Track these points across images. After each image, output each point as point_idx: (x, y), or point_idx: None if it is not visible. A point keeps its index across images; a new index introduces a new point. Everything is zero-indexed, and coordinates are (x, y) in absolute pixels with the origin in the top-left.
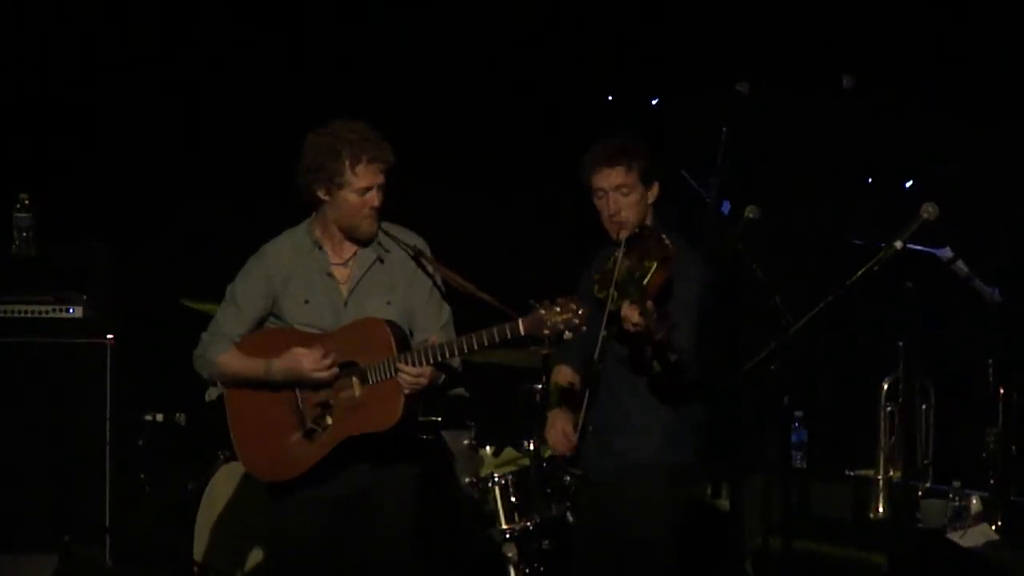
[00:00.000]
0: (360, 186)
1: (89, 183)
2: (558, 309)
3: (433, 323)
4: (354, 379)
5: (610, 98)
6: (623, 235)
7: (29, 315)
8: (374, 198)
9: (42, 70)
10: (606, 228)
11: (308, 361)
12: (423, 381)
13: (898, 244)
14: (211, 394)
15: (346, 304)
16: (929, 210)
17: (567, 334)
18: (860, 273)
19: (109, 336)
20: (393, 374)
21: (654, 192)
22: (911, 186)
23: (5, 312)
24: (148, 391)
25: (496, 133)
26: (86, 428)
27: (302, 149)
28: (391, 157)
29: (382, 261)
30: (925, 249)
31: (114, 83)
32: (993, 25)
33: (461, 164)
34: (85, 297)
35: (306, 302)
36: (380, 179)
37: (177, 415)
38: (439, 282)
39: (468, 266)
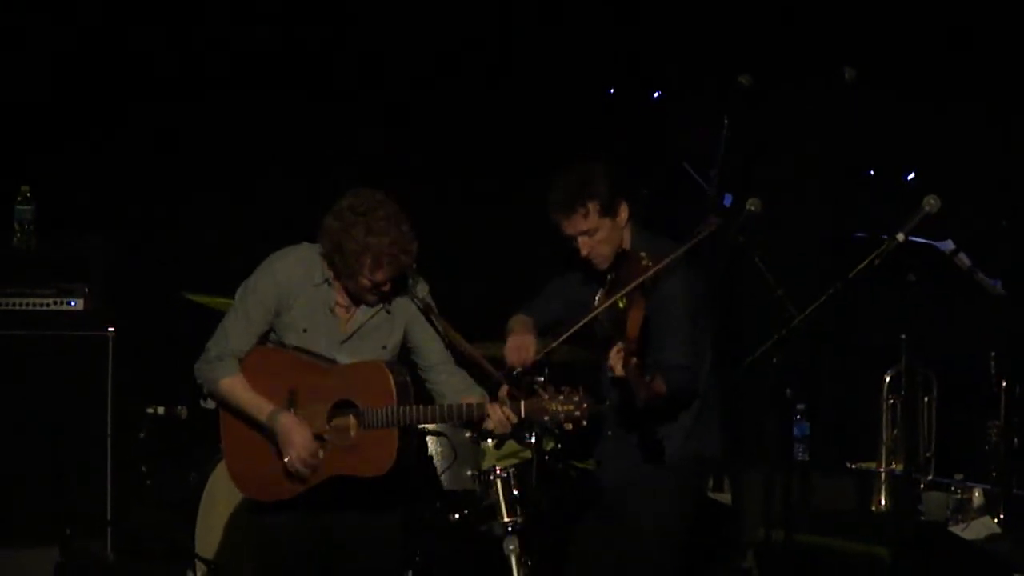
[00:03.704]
0: (374, 280)
1: (90, 175)
2: (562, 398)
3: (439, 356)
4: (352, 419)
5: (611, 91)
6: (602, 268)
7: (30, 308)
8: (385, 287)
9: (43, 62)
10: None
11: (301, 444)
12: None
13: (900, 237)
14: (209, 403)
15: (343, 343)
16: (931, 203)
17: (567, 425)
18: (862, 266)
19: (110, 329)
20: (390, 423)
21: (623, 215)
22: (913, 179)
23: (6, 304)
24: (149, 384)
25: (495, 129)
26: (87, 421)
27: (333, 210)
28: (413, 263)
29: (388, 311)
30: (927, 242)
31: (117, 75)
32: (995, 15)
33: (458, 159)
34: (86, 290)
35: (304, 331)
36: (396, 275)
37: (179, 408)
38: (441, 333)
39: (466, 262)
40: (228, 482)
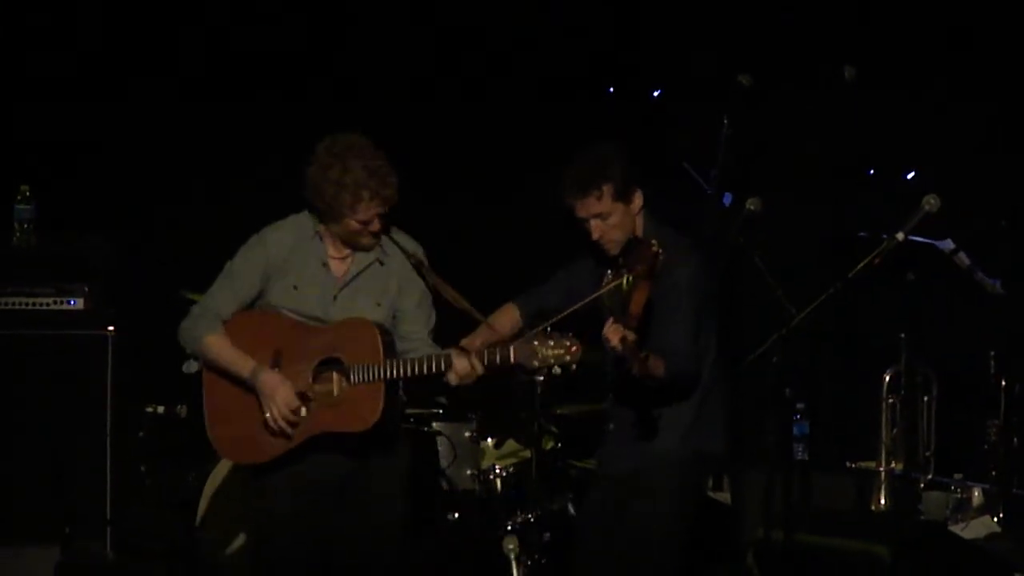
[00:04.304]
0: (360, 219)
1: (90, 174)
2: (551, 343)
3: (420, 328)
4: (336, 375)
5: (611, 90)
6: (613, 253)
7: (30, 307)
8: (374, 226)
9: (42, 62)
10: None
11: (282, 401)
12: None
13: (900, 236)
14: (190, 367)
15: (335, 298)
16: (931, 202)
17: (556, 370)
18: (862, 265)
19: (110, 328)
20: (376, 378)
21: (636, 202)
22: (913, 178)
23: (6, 304)
24: (149, 383)
25: (495, 128)
26: (87, 420)
27: (310, 158)
28: (395, 195)
29: (381, 263)
30: (927, 241)
31: (115, 74)
32: (996, 14)
33: (457, 159)
34: (86, 289)
35: (295, 288)
36: (381, 210)
37: (178, 407)
38: (430, 291)
39: (467, 263)
40: (229, 478)
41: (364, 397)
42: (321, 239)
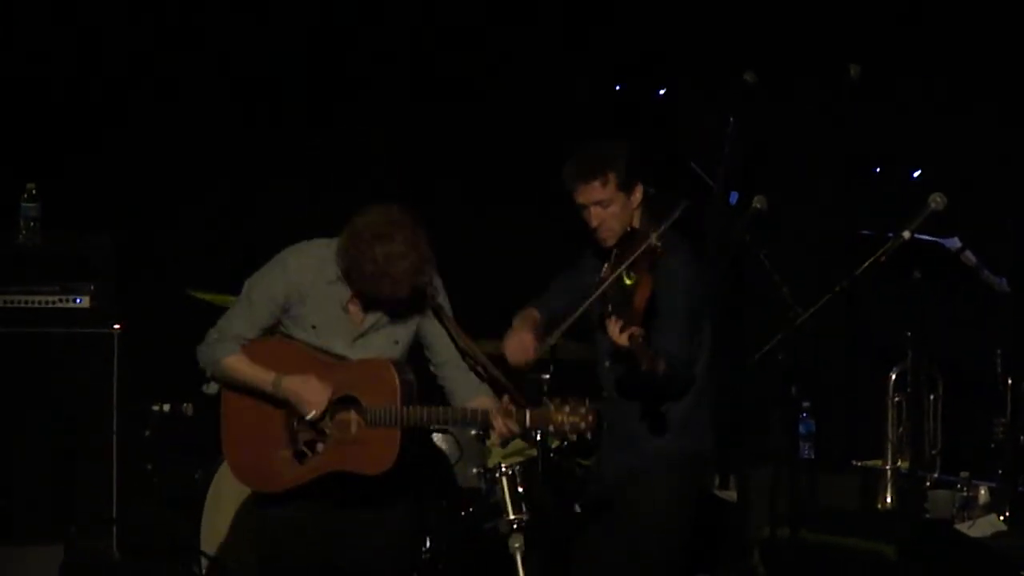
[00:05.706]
0: (392, 298)
1: (96, 172)
2: (567, 410)
3: (450, 353)
4: (354, 414)
5: (617, 88)
6: (609, 243)
7: (36, 305)
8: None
9: (47, 60)
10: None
11: (312, 393)
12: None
13: (906, 234)
14: (210, 388)
15: (354, 342)
16: (937, 200)
17: (572, 437)
18: (868, 263)
19: (116, 326)
20: (393, 423)
21: (637, 195)
22: (919, 176)
23: (11, 302)
24: (155, 381)
25: (503, 127)
26: (92, 418)
27: (348, 231)
28: (430, 279)
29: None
30: (933, 239)
31: (120, 73)
32: (1002, 12)
33: (461, 159)
34: (92, 287)
35: (313, 327)
36: (413, 291)
37: (184, 405)
38: (452, 336)
39: (470, 261)
40: (233, 479)
41: (381, 441)
42: (343, 283)
